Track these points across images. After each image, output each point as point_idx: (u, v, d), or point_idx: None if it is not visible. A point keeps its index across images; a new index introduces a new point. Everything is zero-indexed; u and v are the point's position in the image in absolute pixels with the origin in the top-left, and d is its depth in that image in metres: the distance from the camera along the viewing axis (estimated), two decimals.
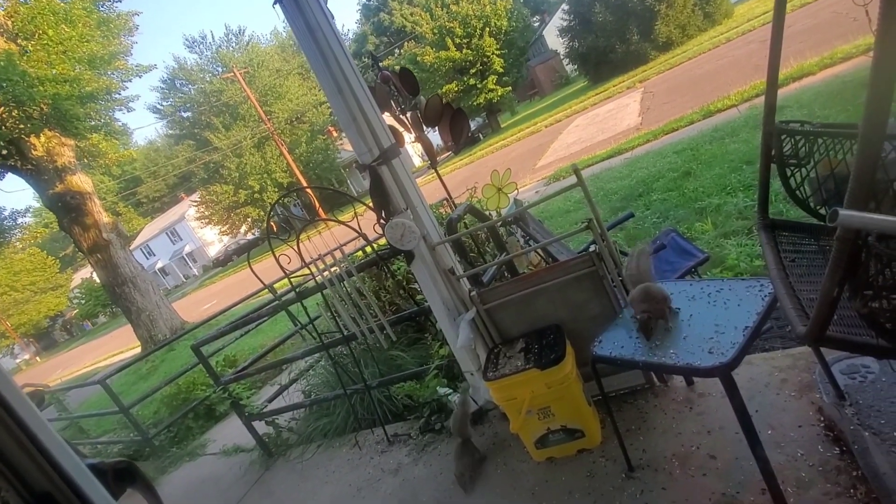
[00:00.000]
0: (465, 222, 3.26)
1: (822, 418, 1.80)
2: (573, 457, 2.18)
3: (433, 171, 3.08)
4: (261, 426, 3.78)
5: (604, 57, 22.71)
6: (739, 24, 17.56)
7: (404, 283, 3.46)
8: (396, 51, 32.08)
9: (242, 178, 30.74)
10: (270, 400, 4.01)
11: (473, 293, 2.40)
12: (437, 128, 3.20)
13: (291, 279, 3.19)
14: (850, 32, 7.86)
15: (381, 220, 2.35)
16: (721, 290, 1.82)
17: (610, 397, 2.35)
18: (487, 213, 3.30)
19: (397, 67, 3.07)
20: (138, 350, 12.64)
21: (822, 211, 1.74)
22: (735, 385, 1.44)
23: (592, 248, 2.21)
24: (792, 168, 1.74)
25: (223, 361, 5.76)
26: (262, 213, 32.02)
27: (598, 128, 12.95)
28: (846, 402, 1.76)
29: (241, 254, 36.40)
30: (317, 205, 26.49)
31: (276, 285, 5.28)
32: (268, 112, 29.97)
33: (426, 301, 2.64)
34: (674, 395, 2.24)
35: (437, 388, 2.93)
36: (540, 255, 3.07)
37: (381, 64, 3.29)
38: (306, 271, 3.07)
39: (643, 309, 1.73)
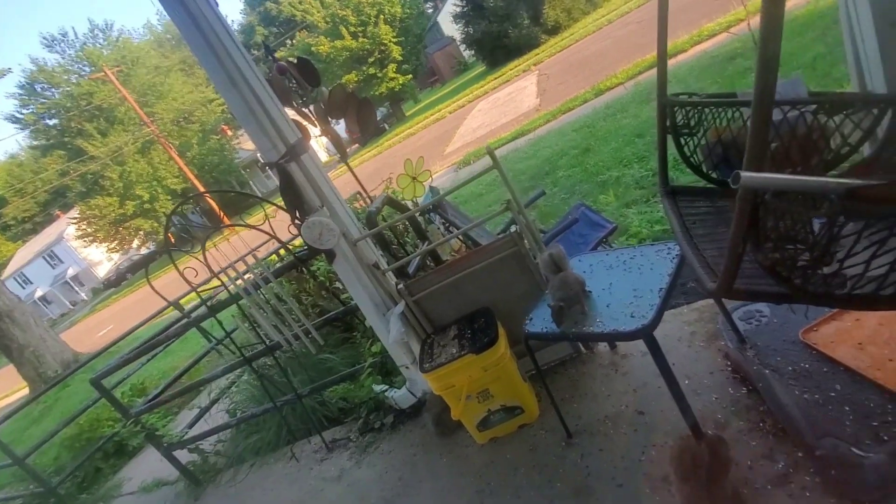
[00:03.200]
0: (382, 215, 3.19)
1: (728, 363, 1.99)
2: (515, 433, 2.23)
3: (342, 165, 2.97)
4: (183, 454, 3.49)
5: (498, 42, 23.27)
6: (618, 6, 18.76)
7: (327, 284, 3.32)
8: (288, 41, 30.62)
9: (128, 187, 27.97)
10: (191, 425, 3.71)
11: (401, 286, 2.35)
12: (342, 120, 3.09)
13: (200, 292, 2.95)
14: (713, 11, 8.70)
15: (297, 221, 2.23)
16: (634, 256, 1.93)
17: (542, 370, 2.43)
18: (403, 202, 3.25)
19: (293, 58, 2.89)
20: (26, 391, 11.16)
21: (714, 174, 1.89)
22: (657, 344, 1.54)
23: (513, 228, 2.25)
24: (685, 137, 1.87)
25: (130, 391, 5.24)
26: (155, 224, 29.41)
27: (500, 111, 13.30)
28: (747, 345, 1.95)
29: (137, 271, 33.29)
30: (218, 210, 24.78)
31: (182, 301, 4.86)
32: (150, 113, 27.35)
33: (352, 300, 2.56)
34: (600, 360, 2.37)
35: (373, 386, 2.87)
36: (461, 240, 3.08)
37: (275, 55, 3.10)
38: (216, 282, 2.85)
39: (559, 297, 1.78)
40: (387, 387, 2.85)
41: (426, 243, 2.74)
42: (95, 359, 4.49)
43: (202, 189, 25.69)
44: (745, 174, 0.94)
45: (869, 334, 1.70)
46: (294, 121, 2.42)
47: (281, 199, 2.31)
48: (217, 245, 3.01)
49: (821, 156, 1.69)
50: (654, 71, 8.09)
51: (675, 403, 1.61)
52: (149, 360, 4.48)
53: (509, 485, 2.00)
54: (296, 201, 2.18)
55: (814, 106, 1.63)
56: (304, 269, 3.00)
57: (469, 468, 2.20)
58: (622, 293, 1.75)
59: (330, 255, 2.30)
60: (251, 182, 33.84)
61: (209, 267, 2.70)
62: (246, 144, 32.07)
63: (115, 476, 4.44)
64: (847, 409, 1.52)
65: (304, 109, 2.84)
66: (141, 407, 3.39)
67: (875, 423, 1.44)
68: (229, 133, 32.20)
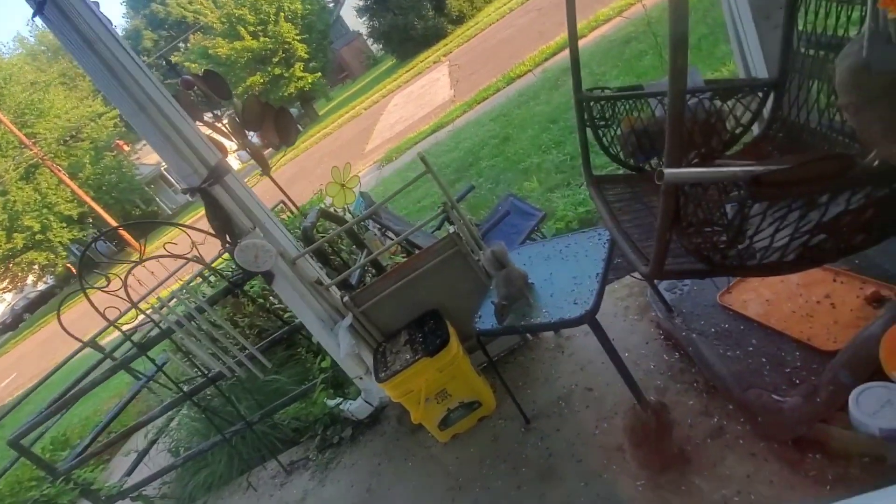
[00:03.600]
0: (317, 228, 3.12)
1: (660, 332, 2.17)
2: (476, 427, 2.29)
3: (257, 171, 2.86)
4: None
5: (406, 34, 23.17)
6: None
7: (267, 305, 3.20)
8: (182, 45, 28.58)
9: (14, 219, 24.93)
10: (130, 472, 3.45)
11: (346, 298, 2.33)
12: (258, 132, 2.97)
13: (122, 328, 2.74)
14: None
15: (227, 245, 2.13)
16: (569, 245, 2.04)
17: (494, 362, 2.52)
18: (334, 210, 3.19)
19: (192, 66, 2.73)
20: None
21: (631, 161, 2.04)
22: (601, 327, 1.65)
23: (452, 228, 2.30)
24: (602, 129, 2.00)
25: (52, 445, 4.76)
26: (51, 255, 26.51)
27: (416, 105, 13.29)
28: (674, 313, 2.12)
29: (35, 310, 29.91)
30: (139, 246, 22.71)
31: (99, 337, 4.45)
32: (30, 134, 24.47)
33: (295, 318, 2.50)
34: (546, 345, 2.49)
35: (326, 401, 2.82)
36: (401, 244, 3.09)
37: (174, 64, 2.91)
38: (136, 314, 2.64)
39: (504, 294, 1.85)
40: (341, 399, 2.81)
41: (365, 251, 2.73)
42: (6, 416, 4.04)
43: (100, 211, 23.49)
44: (667, 171, 1.04)
45: (773, 291, 1.92)
46: (209, 137, 2.30)
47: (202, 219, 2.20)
48: (128, 268, 2.79)
49: (719, 137, 1.87)
50: (559, 57, 8.35)
51: (620, 377, 1.74)
52: (68, 409, 4.10)
53: (477, 478, 2.06)
54: (225, 226, 2.09)
55: (709, 93, 1.81)
56: (241, 293, 2.87)
57: (436, 468, 2.24)
58: (563, 282, 1.85)
59: (268, 277, 2.22)
60: (157, 199, 31.46)
61: (130, 300, 2.51)
62: (147, 159, 29.68)
63: None
64: (764, 360, 1.71)
65: (217, 124, 2.70)
66: (69, 462, 3.10)
67: (788, 370, 1.63)
68: (126, 148, 29.63)
